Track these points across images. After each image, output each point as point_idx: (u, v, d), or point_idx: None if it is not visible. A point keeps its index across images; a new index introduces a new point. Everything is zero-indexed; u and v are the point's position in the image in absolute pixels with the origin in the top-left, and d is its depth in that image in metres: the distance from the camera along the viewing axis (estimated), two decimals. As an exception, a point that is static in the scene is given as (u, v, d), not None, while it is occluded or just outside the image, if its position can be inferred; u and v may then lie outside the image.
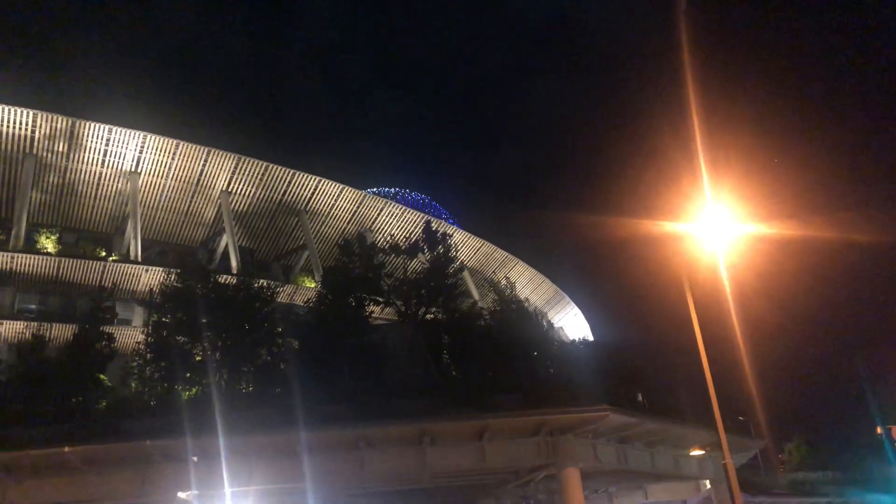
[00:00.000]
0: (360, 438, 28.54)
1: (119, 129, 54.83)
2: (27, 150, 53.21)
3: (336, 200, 65.57)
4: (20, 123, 51.91)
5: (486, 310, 42.37)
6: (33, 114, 51.88)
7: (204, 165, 58.89)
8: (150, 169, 57.61)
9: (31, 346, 34.71)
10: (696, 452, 37.20)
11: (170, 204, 60.92)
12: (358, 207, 67.08)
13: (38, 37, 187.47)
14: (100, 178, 57.10)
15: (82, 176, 56.50)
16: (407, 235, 40.59)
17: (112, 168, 56.63)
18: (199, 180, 59.64)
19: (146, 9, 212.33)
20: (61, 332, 43.89)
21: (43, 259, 52.26)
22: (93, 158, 55.59)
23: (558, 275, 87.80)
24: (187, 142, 57.38)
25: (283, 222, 65.63)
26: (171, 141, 56.78)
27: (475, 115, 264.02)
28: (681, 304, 25.94)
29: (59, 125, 52.91)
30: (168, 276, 35.67)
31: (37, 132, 52.66)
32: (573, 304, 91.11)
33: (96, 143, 54.75)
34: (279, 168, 61.60)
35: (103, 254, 56.26)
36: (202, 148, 58.05)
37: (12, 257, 51.09)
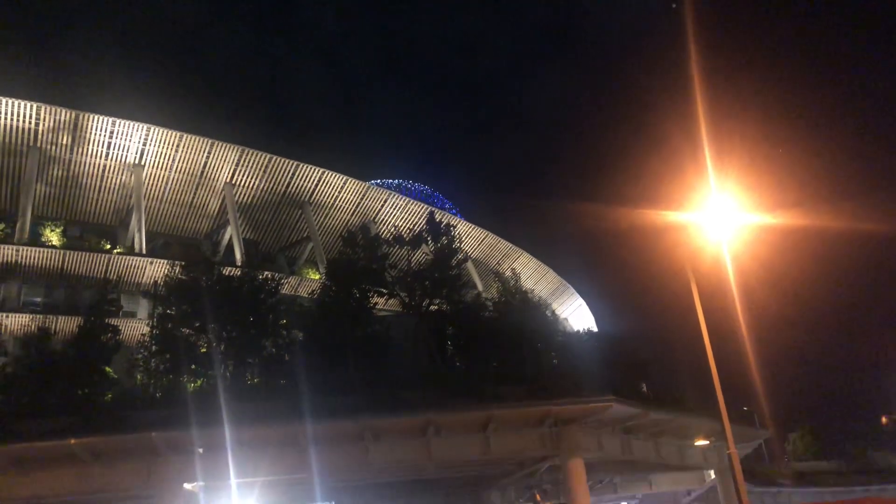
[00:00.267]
0: (366, 429, 28.62)
1: (123, 122, 54.79)
2: (31, 143, 53.24)
3: (340, 192, 65.55)
4: (24, 116, 51.92)
5: (491, 301, 42.42)
6: (37, 106, 51.88)
7: (207, 157, 58.87)
8: (154, 161, 57.61)
9: (36, 338, 34.81)
10: (701, 443, 37.23)
11: (174, 196, 60.95)
12: (361, 199, 67.05)
13: (42, 30, 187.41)
14: (104, 171, 57.12)
15: (86, 168, 56.54)
16: (411, 227, 40.68)
17: (116, 161, 56.64)
18: (202, 172, 59.65)
19: (149, 1, 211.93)
20: (67, 324, 44.03)
21: (48, 252, 52.40)
22: (97, 151, 55.61)
23: (562, 265, 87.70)
24: (191, 134, 57.35)
25: (286, 214, 65.64)
26: (174, 133, 56.75)
27: (478, 106, 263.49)
28: (685, 294, 25.86)
29: (62, 118, 52.91)
30: (172, 268, 35.74)
31: (41, 125, 52.68)
32: (577, 294, 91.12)
33: (100, 135, 54.76)
34: (283, 160, 61.57)
35: (108, 246, 56.34)
36: (206, 140, 58.02)
37: (17, 250, 51.21)
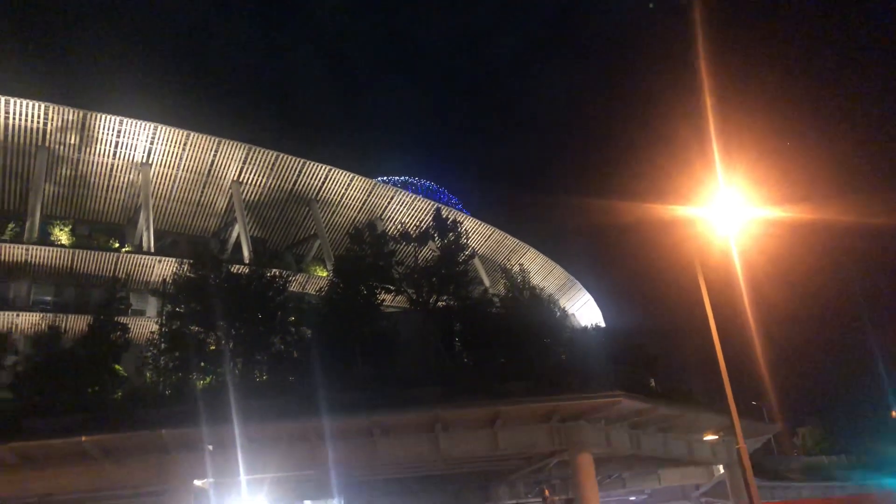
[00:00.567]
0: (374, 426, 28.70)
1: (130, 121, 55.04)
2: (40, 143, 53.52)
3: (346, 189, 65.65)
4: (32, 116, 52.19)
5: (498, 297, 42.39)
6: (45, 106, 52.15)
7: (215, 156, 59.06)
8: (162, 160, 57.84)
9: (46, 337, 35.07)
10: (710, 437, 37.16)
11: (181, 194, 61.19)
12: (368, 196, 67.14)
13: (49, 29, 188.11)
14: (112, 170, 57.40)
15: (94, 168, 56.82)
16: (417, 223, 40.63)
17: (123, 159, 56.90)
18: (210, 171, 59.84)
19: (155, 1, 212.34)
20: (76, 323, 44.30)
21: (57, 251, 52.72)
22: (104, 150, 55.86)
23: (570, 261, 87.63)
24: (198, 132, 57.56)
25: (294, 212, 65.80)
26: (181, 132, 56.96)
27: (484, 102, 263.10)
28: (693, 288, 25.82)
29: (70, 117, 53.17)
30: (181, 266, 35.88)
31: (49, 125, 52.94)
32: (585, 290, 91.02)
33: (108, 134, 55.00)
34: (289, 157, 61.71)
35: (116, 245, 56.64)
36: (213, 138, 58.21)
37: (27, 249, 51.54)
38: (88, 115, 53.64)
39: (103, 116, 54.13)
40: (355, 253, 38.81)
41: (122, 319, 37.29)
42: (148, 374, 34.42)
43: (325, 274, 58.85)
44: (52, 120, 52.81)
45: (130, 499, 33.12)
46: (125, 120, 54.83)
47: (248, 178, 61.31)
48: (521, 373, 31.05)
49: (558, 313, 43.93)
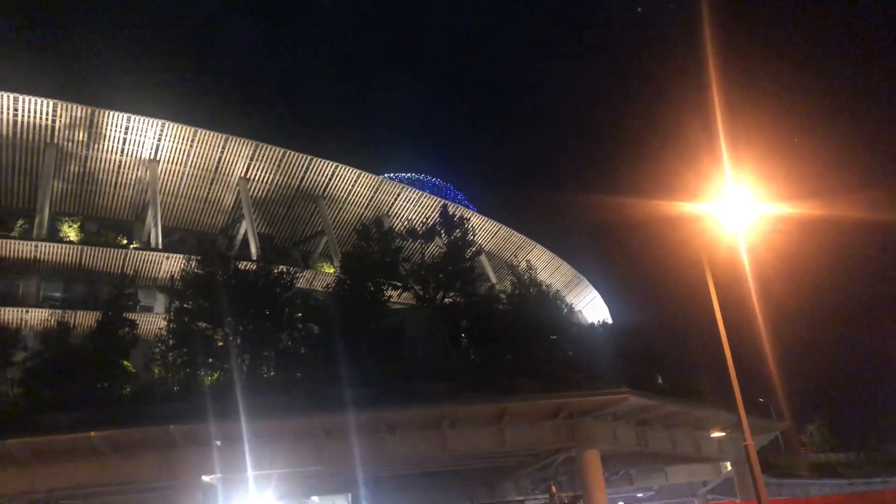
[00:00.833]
0: (381, 422, 28.75)
1: (138, 118, 55.22)
2: (48, 140, 53.76)
3: (353, 186, 65.70)
4: (41, 113, 52.41)
5: (504, 293, 42.39)
6: (53, 103, 52.35)
7: (222, 152, 59.19)
8: (169, 157, 58.02)
9: (56, 333, 35.26)
10: (717, 434, 37.10)
11: (189, 191, 61.37)
12: (375, 193, 67.18)
13: (58, 27, 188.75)
14: (119, 167, 57.61)
15: (102, 164, 57.04)
16: (424, 220, 40.73)
17: (131, 156, 57.09)
18: (217, 167, 59.99)
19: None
20: (85, 319, 44.52)
21: (66, 247, 52.94)
22: (112, 147, 56.06)
23: (576, 258, 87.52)
24: (205, 129, 57.69)
25: (301, 208, 65.90)
26: (189, 129, 57.11)
27: (491, 98, 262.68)
28: (700, 285, 25.72)
29: (78, 114, 53.37)
30: (189, 262, 35.99)
31: (57, 121, 53.16)
32: (591, 287, 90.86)
33: (115, 131, 55.19)
34: (296, 154, 61.79)
35: (124, 241, 56.87)
36: (220, 135, 58.33)
37: (36, 246, 51.81)
38: (96, 112, 53.83)
39: (111, 113, 54.31)
40: (362, 249, 38.86)
41: (131, 316, 37.52)
42: (156, 370, 34.61)
43: (332, 270, 58.94)
44: (61, 117, 53.03)
45: (139, 494, 33.31)
46: (133, 117, 55.01)
47: (256, 175, 61.43)
48: (528, 369, 31.07)
49: (565, 310, 43.88)
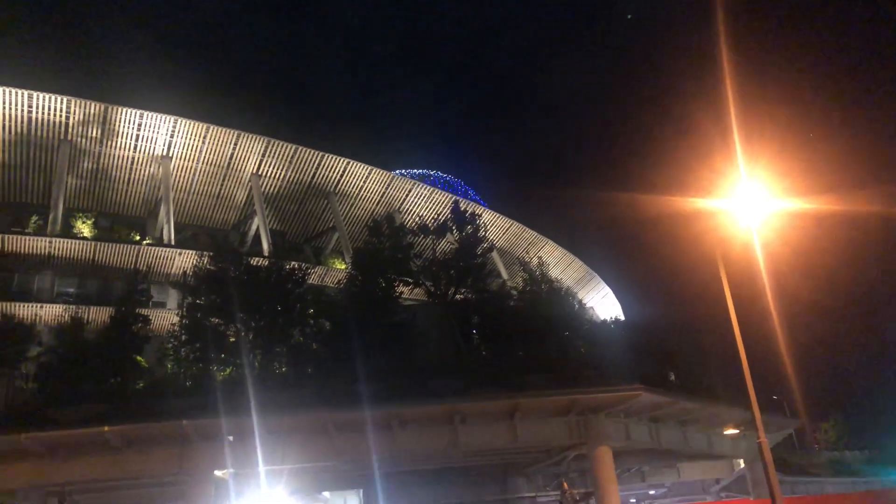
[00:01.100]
0: (393, 417, 28.75)
1: (150, 114, 55.46)
2: (62, 137, 54.11)
3: (364, 182, 65.71)
4: (55, 110, 52.75)
5: (516, 289, 42.26)
6: (67, 100, 52.67)
7: (234, 149, 59.36)
8: (182, 153, 58.26)
9: (70, 328, 35.47)
10: (730, 431, 36.84)
11: (201, 187, 61.60)
12: (386, 189, 67.17)
13: (71, 24, 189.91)
14: (132, 163, 57.90)
15: (116, 161, 57.35)
16: (435, 216, 40.70)
17: (144, 153, 57.37)
18: (229, 164, 60.17)
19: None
20: (98, 314, 44.81)
21: (80, 243, 53.29)
22: (125, 143, 56.35)
23: (589, 254, 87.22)
24: (217, 125, 57.88)
25: (312, 204, 66.01)
26: (201, 125, 57.31)
27: (503, 94, 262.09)
28: (714, 281, 25.50)
29: (92, 111, 53.66)
30: (201, 258, 36.10)
31: (71, 118, 53.47)
32: (604, 283, 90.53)
33: (129, 128, 55.46)
34: (308, 151, 61.87)
35: (137, 237, 57.15)
36: (232, 132, 58.50)
37: (50, 242, 52.20)
38: (110, 109, 54.10)
39: (124, 110, 54.58)
40: (373, 245, 38.85)
41: (144, 311, 37.61)
42: (169, 366, 34.74)
43: (343, 266, 59.00)
44: (75, 113, 53.33)
45: (152, 488, 33.50)
46: (146, 113, 55.26)
47: (268, 171, 61.57)
48: (539, 366, 30.96)
49: (577, 306, 43.72)
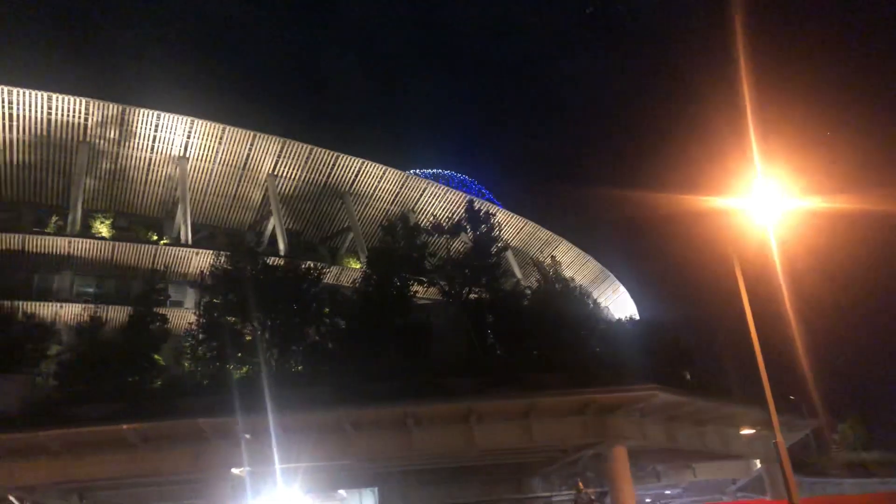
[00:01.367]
0: (408, 416, 28.83)
1: (167, 115, 55.98)
2: (81, 138, 54.73)
3: (379, 182, 65.89)
4: (74, 112, 53.38)
5: (530, 289, 42.22)
6: (86, 101, 53.30)
7: (250, 150, 59.75)
8: (198, 154, 58.73)
9: (89, 327, 35.91)
10: (747, 431, 36.61)
11: (218, 188, 62.06)
12: (401, 189, 67.31)
13: (88, 26, 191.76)
14: (150, 164, 58.45)
15: (133, 162, 57.93)
16: (449, 215, 40.75)
17: (161, 154, 57.90)
18: (245, 164, 60.58)
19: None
20: (117, 313, 45.26)
21: (98, 243, 53.89)
22: (143, 144, 56.91)
23: (603, 254, 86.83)
24: (234, 126, 58.32)
25: (327, 204, 66.29)
26: (217, 126, 57.77)
27: (516, 93, 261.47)
28: (730, 281, 25.41)
29: (110, 112, 54.25)
30: (218, 258, 36.42)
31: (89, 120, 54.08)
32: (618, 282, 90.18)
33: (146, 129, 56.01)
34: (323, 151, 62.16)
35: (155, 237, 57.69)
36: (248, 132, 58.89)
37: (69, 242, 52.82)
38: (127, 110, 54.67)
39: (142, 111, 55.13)
40: (388, 245, 38.96)
41: (161, 310, 38.00)
42: (186, 364, 35.05)
43: (358, 266, 59.23)
44: (93, 115, 53.93)
45: (170, 486, 33.82)
46: (163, 115, 55.79)
47: (283, 172, 61.91)
48: (554, 365, 30.91)
49: (592, 306, 43.60)
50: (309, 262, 39.00)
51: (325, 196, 65.22)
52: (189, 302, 55.63)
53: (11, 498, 30.51)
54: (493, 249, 38.37)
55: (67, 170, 56.33)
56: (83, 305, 48.62)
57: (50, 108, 52.66)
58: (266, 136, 59.58)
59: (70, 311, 49.80)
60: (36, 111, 52.52)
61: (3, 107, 51.73)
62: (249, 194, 63.35)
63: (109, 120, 54.51)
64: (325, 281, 39.92)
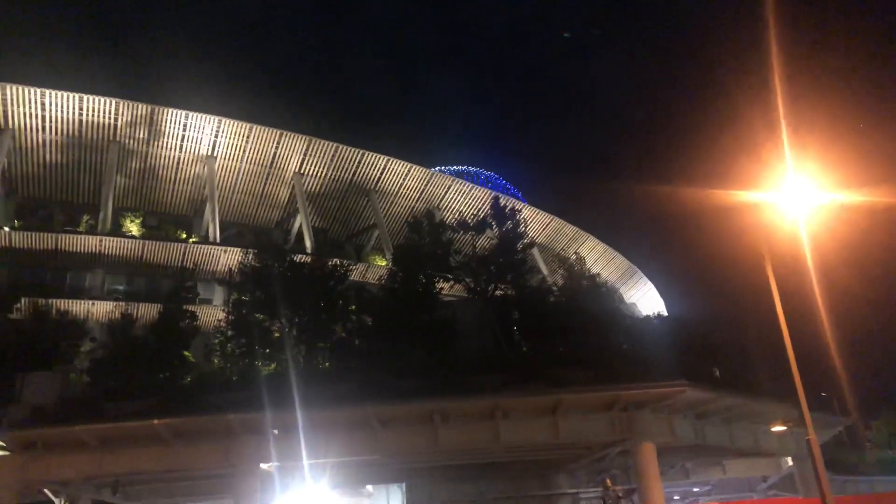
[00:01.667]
0: (435, 412, 28.89)
1: (195, 115, 56.69)
2: (111, 138, 55.63)
3: (404, 179, 66.09)
4: (104, 112, 54.27)
5: (556, 285, 42.01)
6: (116, 102, 54.17)
7: (277, 148, 60.26)
8: (226, 153, 59.38)
9: (120, 325, 36.48)
10: (777, 428, 36.09)
11: (245, 186, 62.69)
12: (426, 186, 67.45)
13: (117, 27, 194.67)
14: (178, 163, 59.23)
15: (162, 161, 58.75)
16: (475, 212, 40.54)
17: (190, 153, 58.63)
18: (272, 163, 61.12)
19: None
20: (147, 311, 45.96)
21: (128, 242, 54.75)
22: (172, 144, 57.70)
23: (631, 249, 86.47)
24: (260, 125, 58.92)
25: (353, 202, 66.65)
26: (244, 125, 58.37)
27: (542, 88, 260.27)
28: (759, 276, 25.05)
29: (140, 112, 55.08)
30: (246, 256, 36.74)
31: (119, 120, 54.93)
32: (646, 279, 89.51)
33: (174, 128, 56.76)
34: (349, 149, 62.53)
35: (184, 236, 58.46)
36: (275, 131, 59.43)
37: (101, 240, 53.74)
38: (156, 110, 55.46)
39: (170, 111, 55.89)
40: (414, 242, 38.99)
41: (191, 308, 38.47)
42: (216, 361, 35.44)
43: (384, 263, 59.48)
44: (123, 115, 54.79)
45: (200, 480, 34.29)
46: (191, 114, 56.50)
47: (309, 170, 62.36)
48: (581, 361, 30.73)
49: (619, 302, 43.32)
50: (335, 260, 39.21)
51: (350, 194, 65.57)
52: (218, 299, 56.31)
53: (47, 491, 31.17)
54: (519, 246, 38.22)
55: (98, 169, 57.28)
56: (114, 303, 49.57)
57: (81, 108, 53.58)
58: (292, 135, 60.06)
59: (102, 309, 50.68)
60: (68, 112, 53.48)
61: (36, 108, 52.77)
62: (276, 192, 63.90)
63: (139, 120, 55.32)
64: (352, 278, 40.16)
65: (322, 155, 61.79)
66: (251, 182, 62.51)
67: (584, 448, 34.79)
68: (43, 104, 52.73)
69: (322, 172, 62.95)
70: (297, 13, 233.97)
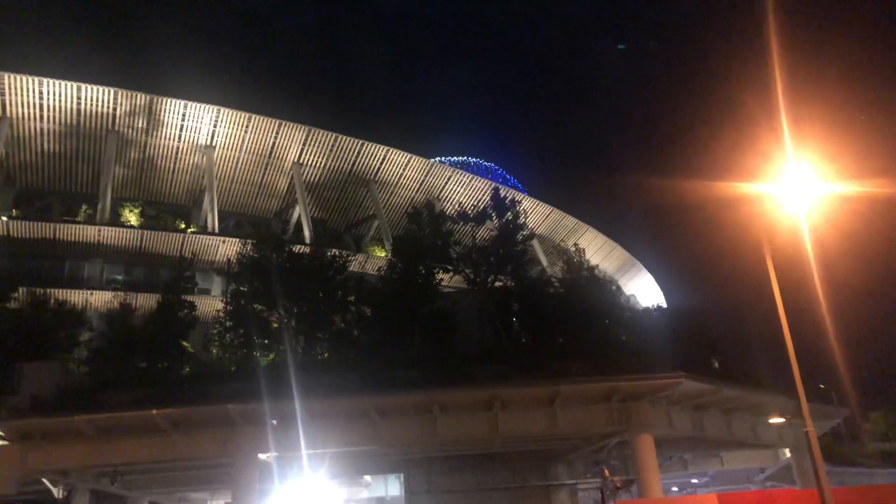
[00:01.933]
0: (433, 403, 28.89)
1: (194, 105, 56.46)
2: (110, 127, 55.42)
3: (404, 170, 65.91)
4: (103, 101, 54.04)
5: (555, 277, 41.97)
6: (114, 91, 53.92)
7: (276, 138, 60.05)
8: (225, 142, 59.17)
9: (119, 314, 36.43)
10: (775, 420, 36.15)
11: (244, 176, 62.52)
12: (426, 176, 67.27)
13: (117, 17, 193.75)
14: (177, 153, 59.05)
15: (161, 150, 58.57)
16: (475, 203, 40.42)
17: (188, 142, 58.44)
18: (271, 152, 60.92)
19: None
20: (146, 301, 45.92)
21: (127, 231, 54.65)
22: (170, 133, 57.49)
23: (631, 241, 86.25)
24: (259, 115, 58.67)
25: (353, 192, 66.49)
26: (243, 114, 58.15)
27: (543, 80, 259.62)
28: (759, 268, 24.95)
29: (138, 102, 54.85)
30: (244, 246, 36.67)
31: (118, 109, 54.71)
32: (646, 270, 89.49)
33: (173, 118, 56.54)
34: (348, 139, 62.30)
35: (182, 226, 58.35)
36: (274, 121, 59.21)
37: (99, 230, 53.63)
38: (155, 100, 55.22)
39: (169, 101, 55.65)
40: (413, 233, 38.91)
41: (189, 297, 38.42)
42: (214, 351, 35.44)
43: (383, 254, 59.41)
44: (122, 105, 54.55)
45: (199, 470, 34.33)
46: (189, 104, 56.26)
47: (309, 160, 62.17)
48: (580, 352, 30.73)
49: (618, 293, 43.27)
50: (334, 250, 39.12)
51: (350, 184, 65.41)
52: (216, 289, 56.30)
53: (45, 481, 31.22)
54: (519, 237, 38.14)
55: (97, 159, 57.10)
56: (113, 293, 49.44)
57: (79, 98, 53.35)
58: (291, 125, 59.86)
59: (100, 299, 50.62)
60: (66, 101, 53.25)
61: (34, 97, 52.54)
62: (275, 182, 63.74)
63: (137, 109, 55.10)
64: (351, 269, 40.10)
65: (321, 145, 61.60)
66: (250, 172, 62.35)
67: (583, 439, 34.85)
68: (41, 93, 52.51)
69: (321, 162, 62.78)
70: (297, 3, 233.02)
